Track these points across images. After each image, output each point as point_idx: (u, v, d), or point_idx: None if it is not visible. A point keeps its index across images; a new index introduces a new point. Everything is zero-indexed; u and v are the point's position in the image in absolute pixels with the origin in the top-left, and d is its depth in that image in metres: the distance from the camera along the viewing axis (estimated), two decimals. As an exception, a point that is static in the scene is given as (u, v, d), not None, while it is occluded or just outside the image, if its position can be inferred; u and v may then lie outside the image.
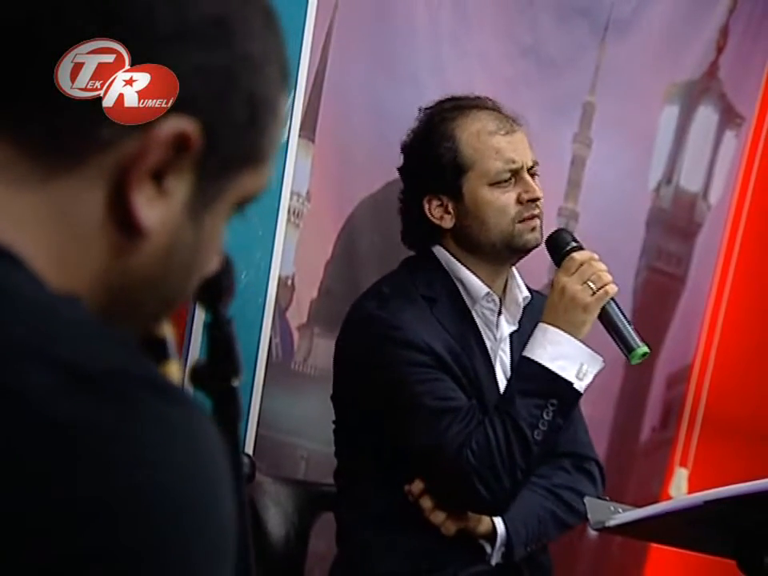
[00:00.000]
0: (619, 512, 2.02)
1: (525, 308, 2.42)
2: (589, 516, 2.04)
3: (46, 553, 0.69)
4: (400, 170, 2.42)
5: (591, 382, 2.28)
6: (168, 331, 0.91)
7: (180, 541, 0.72)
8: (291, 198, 2.83)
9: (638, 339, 2.26)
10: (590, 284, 2.26)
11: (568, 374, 2.25)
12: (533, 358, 2.26)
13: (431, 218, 2.36)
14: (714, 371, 4.12)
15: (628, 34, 3.67)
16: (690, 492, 3.92)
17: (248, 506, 0.91)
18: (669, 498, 3.96)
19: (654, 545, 3.78)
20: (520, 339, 2.37)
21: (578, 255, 2.30)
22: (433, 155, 2.34)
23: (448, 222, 2.36)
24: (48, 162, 0.80)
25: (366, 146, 2.98)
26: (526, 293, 2.43)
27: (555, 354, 2.25)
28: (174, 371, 0.91)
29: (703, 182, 4.04)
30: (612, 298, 2.28)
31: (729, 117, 4.07)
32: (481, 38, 3.26)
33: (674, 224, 3.97)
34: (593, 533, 3.58)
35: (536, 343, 2.27)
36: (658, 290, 3.92)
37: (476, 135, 2.34)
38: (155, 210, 0.81)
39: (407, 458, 2.29)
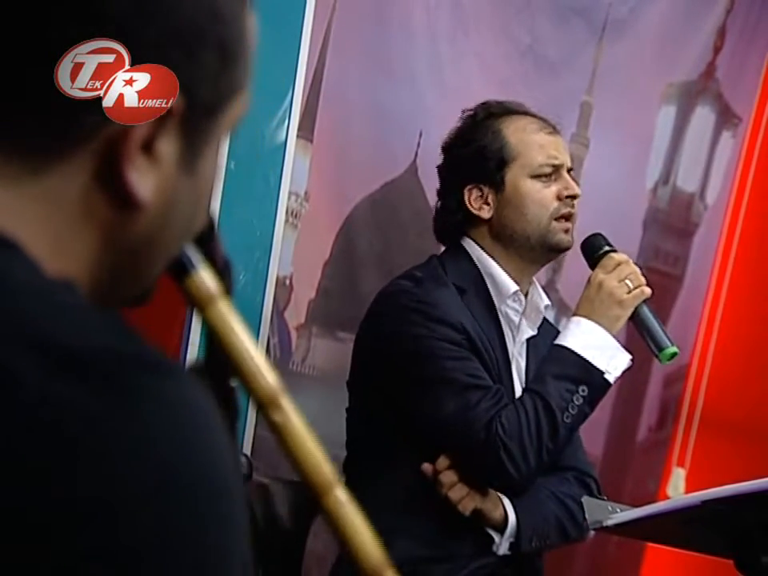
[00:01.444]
0: (617, 512, 2.03)
1: (538, 333, 2.45)
2: (586, 515, 2.05)
3: (45, 551, 0.69)
4: (439, 167, 2.47)
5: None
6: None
7: (187, 527, 0.71)
8: (289, 199, 2.83)
9: (668, 340, 2.33)
10: (628, 282, 2.35)
11: (599, 363, 2.30)
12: (566, 345, 2.32)
13: (470, 208, 2.40)
14: (712, 371, 4.12)
15: (625, 35, 3.67)
16: (687, 492, 3.92)
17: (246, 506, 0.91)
18: (666, 497, 3.96)
19: (651, 544, 3.78)
20: (536, 348, 2.42)
21: (616, 255, 2.38)
22: (478, 146, 2.41)
23: (486, 213, 2.40)
24: (39, 156, 0.80)
25: (365, 147, 2.98)
26: (547, 301, 2.48)
27: (588, 344, 2.31)
28: (207, 277, 0.90)
29: (700, 182, 4.05)
30: (645, 301, 2.35)
31: (726, 117, 4.07)
32: (478, 39, 3.26)
33: (671, 224, 3.97)
34: (590, 532, 3.58)
35: (569, 333, 2.34)
36: (656, 289, 3.90)
37: (522, 129, 2.42)
38: (149, 180, 0.81)
39: (429, 435, 2.30)
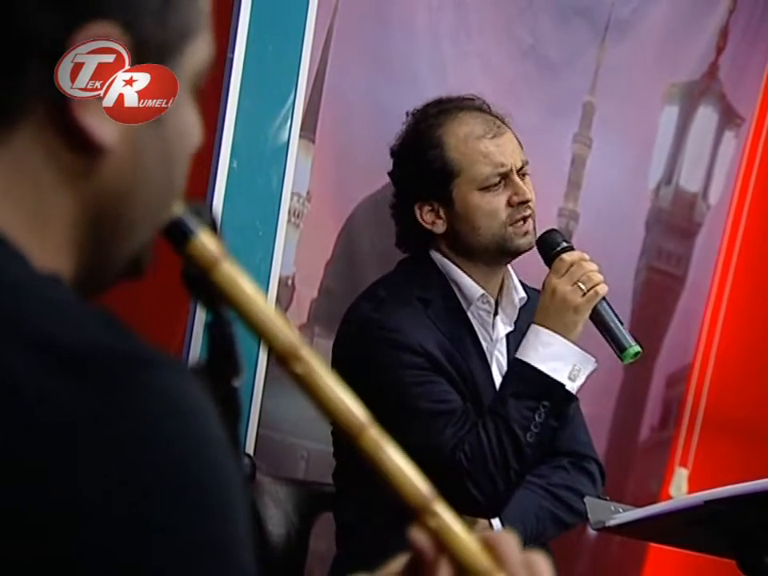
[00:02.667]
0: (619, 512, 2.03)
1: (522, 308, 2.43)
2: (589, 516, 2.05)
3: (44, 549, 0.69)
4: (391, 174, 2.44)
5: (585, 382, 2.29)
6: (179, 209, 0.88)
7: (188, 523, 0.71)
8: (291, 199, 2.83)
9: (629, 339, 2.26)
10: (581, 285, 2.26)
11: (560, 375, 2.25)
12: (525, 360, 2.27)
13: (423, 224, 2.37)
14: (714, 371, 4.12)
15: (628, 35, 3.67)
16: (690, 492, 3.92)
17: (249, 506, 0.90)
18: (669, 498, 3.95)
19: (654, 544, 3.78)
20: (516, 339, 2.38)
21: (567, 256, 2.30)
22: (421, 162, 2.35)
23: (440, 228, 2.37)
24: None
25: (366, 147, 2.98)
26: (522, 293, 2.44)
27: (547, 356, 2.26)
28: (209, 240, 0.89)
29: (703, 182, 4.05)
30: (603, 298, 2.28)
31: (728, 117, 4.07)
32: (481, 39, 3.26)
33: (673, 224, 3.97)
34: (592, 532, 3.58)
35: (528, 345, 2.28)
36: (658, 289, 3.92)
37: (463, 140, 2.35)
38: (109, 123, 0.81)
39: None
